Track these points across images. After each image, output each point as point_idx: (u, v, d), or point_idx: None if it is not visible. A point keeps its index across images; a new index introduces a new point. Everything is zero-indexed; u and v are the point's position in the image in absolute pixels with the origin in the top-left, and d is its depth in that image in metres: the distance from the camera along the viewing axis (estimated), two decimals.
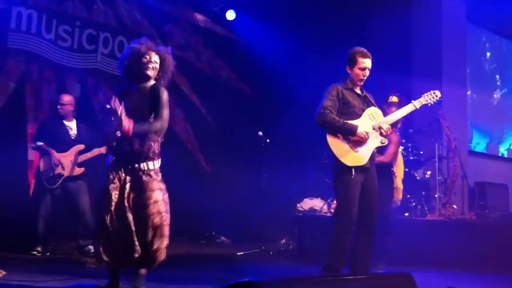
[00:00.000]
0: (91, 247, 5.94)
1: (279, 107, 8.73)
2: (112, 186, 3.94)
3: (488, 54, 11.11)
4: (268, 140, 7.55)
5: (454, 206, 7.66)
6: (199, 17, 9.40)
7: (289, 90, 8.53)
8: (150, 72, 4.09)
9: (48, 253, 6.13)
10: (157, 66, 4.12)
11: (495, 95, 11.14)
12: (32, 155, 7.44)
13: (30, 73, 7.65)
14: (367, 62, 4.60)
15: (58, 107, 6.41)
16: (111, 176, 3.97)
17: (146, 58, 4.07)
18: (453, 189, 7.83)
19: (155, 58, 4.10)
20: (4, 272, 4.42)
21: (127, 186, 3.97)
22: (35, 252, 6.04)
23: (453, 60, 9.39)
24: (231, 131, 8.98)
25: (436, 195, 7.71)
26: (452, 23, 9.48)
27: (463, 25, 9.89)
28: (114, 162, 4.03)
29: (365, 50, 4.63)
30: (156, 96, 4.05)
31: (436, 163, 7.84)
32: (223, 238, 8.53)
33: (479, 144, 10.54)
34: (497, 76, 11.22)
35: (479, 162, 9.81)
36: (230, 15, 9.19)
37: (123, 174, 3.99)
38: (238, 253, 6.90)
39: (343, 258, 4.48)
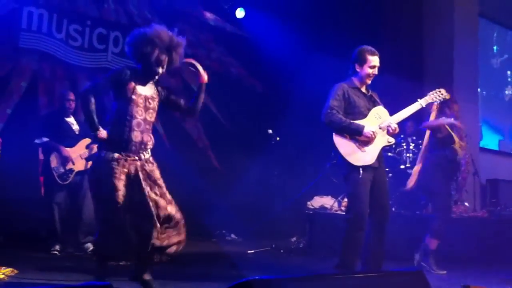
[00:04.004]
0: (89, 244, 5.82)
1: (289, 104, 8.70)
2: (118, 178, 3.84)
3: (500, 49, 11.02)
4: (278, 138, 7.53)
5: (466, 204, 7.62)
6: (209, 15, 9.41)
7: (300, 87, 8.50)
8: (158, 76, 4.11)
9: (70, 251, 5.96)
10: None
11: (506, 91, 11.06)
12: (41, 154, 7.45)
13: (42, 73, 7.68)
14: (376, 60, 4.60)
15: (69, 103, 6.20)
16: (116, 169, 3.85)
17: (160, 59, 4.09)
18: (464, 186, 7.78)
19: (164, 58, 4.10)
20: (16, 271, 4.44)
21: (141, 176, 3.89)
22: (55, 252, 5.86)
23: (464, 56, 9.34)
24: (242, 129, 8.95)
25: None
26: (464, 19, 9.42)
27: (475, 20, 9.83)
28: (116, 155, 3.92)
29: (373, 48, 4.62)
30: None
31: None
32: (233, 236, 8.53)
33: (490, 141, 10.46)
34: (509, 72, 11.13)
35: (491, 159, 9.75)
36: (240, 13, 9.17)
37: (129, 166, 3.90)
38: (248, 251, 6.90)
39: (356, 256, 4.50)
